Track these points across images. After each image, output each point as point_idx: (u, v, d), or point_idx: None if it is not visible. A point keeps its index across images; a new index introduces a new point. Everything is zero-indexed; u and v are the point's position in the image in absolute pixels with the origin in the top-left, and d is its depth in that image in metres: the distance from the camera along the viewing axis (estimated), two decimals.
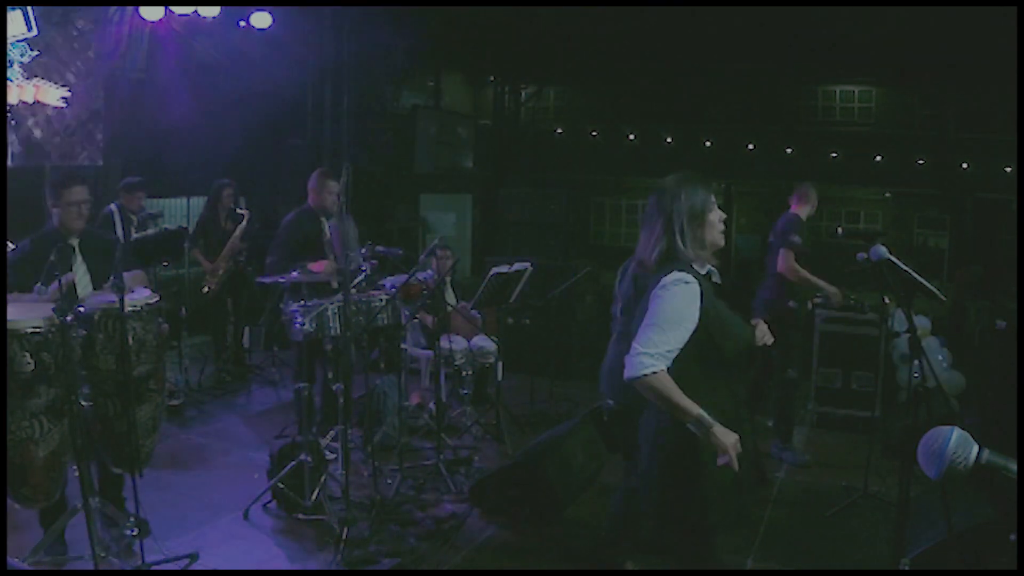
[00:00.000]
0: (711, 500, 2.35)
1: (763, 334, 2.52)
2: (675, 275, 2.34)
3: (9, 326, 2.99)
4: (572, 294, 7.28)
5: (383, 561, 3.71)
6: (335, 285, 4.84)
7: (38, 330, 3.04)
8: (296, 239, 5.12)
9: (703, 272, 2.43)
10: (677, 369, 2.31)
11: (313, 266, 5.03)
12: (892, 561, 2.49)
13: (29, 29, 6.25)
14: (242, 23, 8.41)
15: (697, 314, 2.33)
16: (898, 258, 2.80)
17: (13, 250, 3.69)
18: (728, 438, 2.26)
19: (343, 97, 11.01)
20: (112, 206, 6.14)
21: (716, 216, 2.47)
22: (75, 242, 3.69)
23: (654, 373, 2.26)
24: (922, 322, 6.81)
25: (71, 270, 3.65)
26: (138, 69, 8.70)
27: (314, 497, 4.09)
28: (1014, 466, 1.90)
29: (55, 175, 3.72)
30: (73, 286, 3.57)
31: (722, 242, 2.49)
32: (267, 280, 4.72)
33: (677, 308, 2.31)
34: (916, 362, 2.41)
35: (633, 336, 2.35)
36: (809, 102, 18.81)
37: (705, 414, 2.27)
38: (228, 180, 7.02)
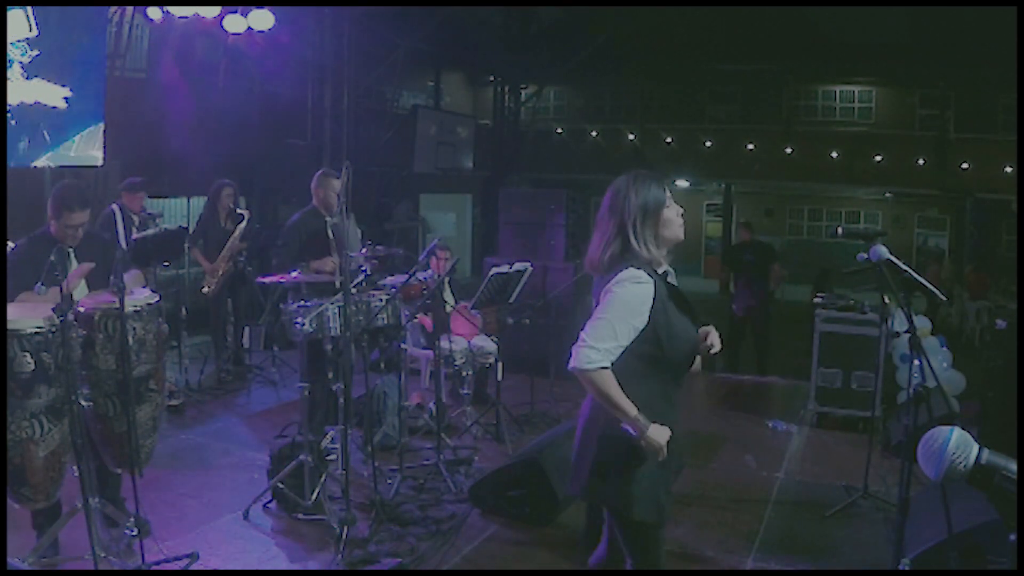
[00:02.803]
0: (636, 497, 2.39)
1: (714, 341, 2.51)
2: (630, 272, 2.35)
3: (9, 326, 3.00)
4: (572, 294, 7.28)
5: (383, 561, 3.71)
6: (339, 284, 4.85)
7: (38, 330, 3.04)
8: (302, 239, 5.15)
9: (660, 272, 2.43)
10: (617, 362, 2.35)
11: (317, 264, 5.06)
12: (892, 561, 2.49)
13: (30, 29, 6.25)
14: (230, 26, 8.37)
15: (647, 314, 2.34)
16: (898, 258, 2.79)
17: (10, 252, 3.69)
18: (661, 437, 2.33)
19: (343, 97, 11.03)
20: (113, 206, 6.14)
21: (673, 212, 2.46)
22: (71, 248, 3.70)
23: (600, 368, 2.30)
24: (922, 322, 6.81)
25: (67, 271, 3.65)
26: (138, 69, 8.71)
27: (314, 497, 4.09)
28: (1014, 466, 1.90)
29: (61, 191, 3.66)
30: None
31: (681, 236, 2.48)
32: (268, 280, 4.72)
33: (629, 305, 2.33)
34: (916, 362, 2.40)
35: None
36: (809, 102, 18.80)
37: (641, 416, 2.32)
38: (228, 180, 7.01)
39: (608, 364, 2.31)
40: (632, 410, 2.32)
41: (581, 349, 2.31)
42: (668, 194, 2.47)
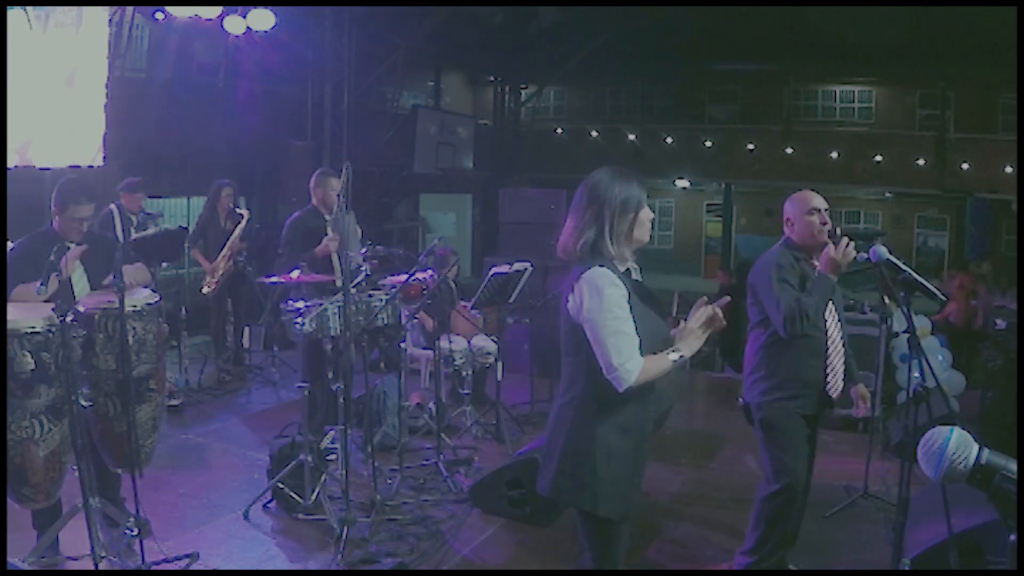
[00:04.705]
0: (602, 494, 2.40)
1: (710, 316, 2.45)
2: (600, 273, 2.35)
3: (9, 326, 3.00)
4: None
5: (383, 561, 3.71)
6: (339, 283, 4.85)
7: (38, 330, 3.04)
8: (302, 238, 5.17)
9: (622, 270, 2.43)
10: (589, 368, 2.36)
11: (318, 249, 5.09)
12: (892, 561, 2.49)
13: (30, 29, 6.25)
14: (230, 26, 8.36)
15: (628, 305, 2.36)
16: (898, 258, 2.79)
17: (12, 248, 3.70)
18: (696, 322, 2.40)
19: (343, 97, 11.02)
20: (112, 206, 6.14)
21: (646, 214, 2.48)
22: (72, 244, 3.70)
23: (639, 373, 2.31)
24: (922, 322, 6.81)
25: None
26: (138, 69, 8.70)
27: (314, 497, 4.09)
28: (1014, 466, 1.90)
29: (66, 185, 3.69)
30: (69, 285, 3.58)
31: (647, 239, 2.50)
32: (268, 280, 4.73)
33: (617, 304, 2.33)
34: (916, 362, 2.40)
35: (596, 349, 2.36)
36: (809, 102, 18.81)
37: (673, 356, 2.37)
38: (228, 180, 7.01)
39: (639, 362, 2.31)
40: (671, 357, 2.36)
41: (617, 374, 2.31)
42: (644, 196, 2.48)
